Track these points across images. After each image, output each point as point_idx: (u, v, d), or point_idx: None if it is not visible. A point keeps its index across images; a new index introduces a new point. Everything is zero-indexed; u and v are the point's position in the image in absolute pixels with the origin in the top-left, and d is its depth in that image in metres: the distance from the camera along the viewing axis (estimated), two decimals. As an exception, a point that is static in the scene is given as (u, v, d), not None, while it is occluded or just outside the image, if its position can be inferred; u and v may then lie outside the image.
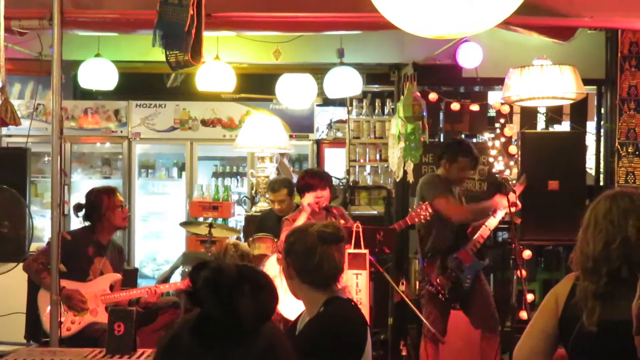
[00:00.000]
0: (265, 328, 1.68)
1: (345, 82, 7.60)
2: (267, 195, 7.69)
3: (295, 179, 7.72)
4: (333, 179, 8.91)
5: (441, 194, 6.40)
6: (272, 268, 5.96)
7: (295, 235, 3.30)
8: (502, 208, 6.28)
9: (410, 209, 7.04)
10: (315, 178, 6.25)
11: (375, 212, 8.91)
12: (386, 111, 9.52)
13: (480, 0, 2.95)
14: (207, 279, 1.64)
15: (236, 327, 1.62)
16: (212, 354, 1.62)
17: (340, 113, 10.24)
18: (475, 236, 6.39)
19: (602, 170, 7.93)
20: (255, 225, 7.51)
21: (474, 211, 6.52)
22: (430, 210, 6.33)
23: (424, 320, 6.10)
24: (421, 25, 3.15)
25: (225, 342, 1.62)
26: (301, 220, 5.97)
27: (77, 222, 8.96)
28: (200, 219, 8.49)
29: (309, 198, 6.11)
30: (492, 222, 6.35)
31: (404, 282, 7.48)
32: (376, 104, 9.60)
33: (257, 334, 1.66)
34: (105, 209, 5.92)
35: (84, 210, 5.98)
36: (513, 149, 7.64)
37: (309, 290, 3.22)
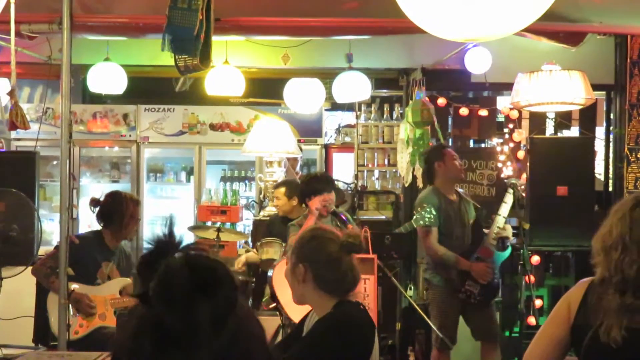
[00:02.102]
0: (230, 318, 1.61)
1: (354, 86, 7.59)
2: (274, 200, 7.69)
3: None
4: (341, 183, 8.92)
5: (429, 224, 6.29)
6: (282, 272, 5.94)
7: (318, 242, 3.23)
8: (481, 279, 6.24)
9: (414, 212, 7.03)
10: (321, 182, 6.23)
11: (384, 217, 8.90)
12: (395, 116, 9.52)
13: (505, 6, 2.96)
14: (158, 291, 1.56)
15: (196, 334, 1.55)
16: (175, 357, 1.56)
17: (348, 118, 10.24)
18: (491, 229, 6.28)
19: (611, 175, 7.91)
20: (263, 230, 7.51)
21: (443, 257, 6.28)
22: None
23: (433, 327, 6.06)
24: (446, 29, 3.15)
25: (187, 347, 1.56)
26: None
27: (85, 226, 9.02)
28: (209, 223, 8.49)
29: (316, 202, 6.08)
30: (500, 220, 6.25)
31: (412, 287, 7.46)
32: (385, 108, 9.60)
33: (220, 330, 1.59)
34: (129, 217, 5.89)
35: (99, 208, 5.93)
36: (522, 154, 7.64)
37: (323, 296, 3.19)
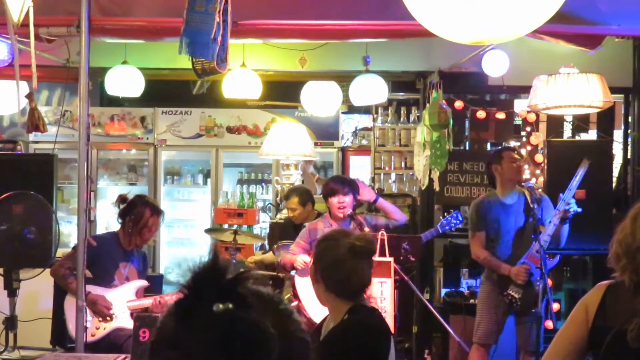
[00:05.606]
0: None
1: (371, 89, 7.58)
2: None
3: (318, 188, 7.75)
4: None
5: (474, 229, 6.38)
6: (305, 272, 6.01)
7: (327, 243, 3.27)
8: (518, 279, 6.19)
9: (441, 218, 7.01)
10: (338, 183, 6.33)
11: (400, 220, 8.89)
12: (412, 119, 9.51)
13: (514, 8, 2.95)
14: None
15: None
16: None
17: (365, 121, 10.25)
18: (541, 236, 6.23)
19: (629, 179, 7.86)
20: (279, 232, 7.52)
21: (486, 263, 6.34)
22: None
23: (450, 330, 6.04)
24: (455, 31, 3.14)
25: None
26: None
27: (102, 228, 9.07)
28: (225, 226, 8.51)
29: (332, 204, 6.22)
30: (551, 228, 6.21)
31: (429, 290, 7.45)
32: (401, 111, 9.59)
33: None
34: (143, 224, 5.90)
35: (122, 207, 5.94)
36: (539, 158, 7.61)
37: (335, 298, 3.20)
